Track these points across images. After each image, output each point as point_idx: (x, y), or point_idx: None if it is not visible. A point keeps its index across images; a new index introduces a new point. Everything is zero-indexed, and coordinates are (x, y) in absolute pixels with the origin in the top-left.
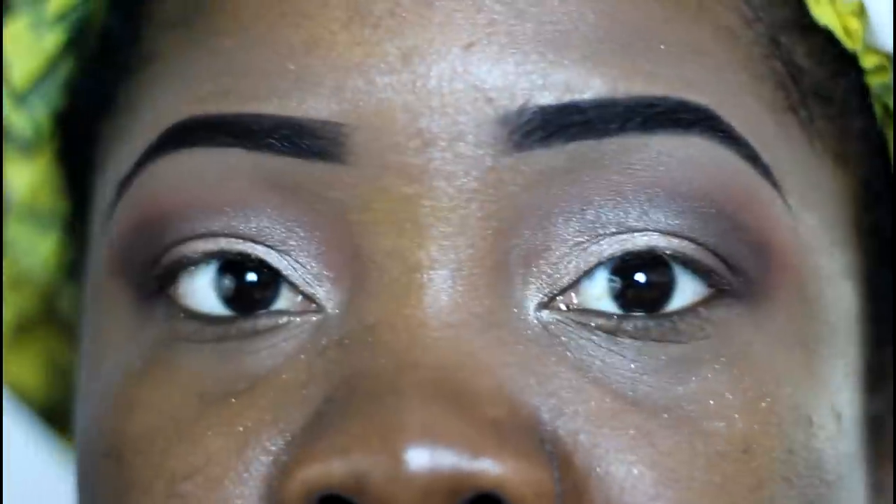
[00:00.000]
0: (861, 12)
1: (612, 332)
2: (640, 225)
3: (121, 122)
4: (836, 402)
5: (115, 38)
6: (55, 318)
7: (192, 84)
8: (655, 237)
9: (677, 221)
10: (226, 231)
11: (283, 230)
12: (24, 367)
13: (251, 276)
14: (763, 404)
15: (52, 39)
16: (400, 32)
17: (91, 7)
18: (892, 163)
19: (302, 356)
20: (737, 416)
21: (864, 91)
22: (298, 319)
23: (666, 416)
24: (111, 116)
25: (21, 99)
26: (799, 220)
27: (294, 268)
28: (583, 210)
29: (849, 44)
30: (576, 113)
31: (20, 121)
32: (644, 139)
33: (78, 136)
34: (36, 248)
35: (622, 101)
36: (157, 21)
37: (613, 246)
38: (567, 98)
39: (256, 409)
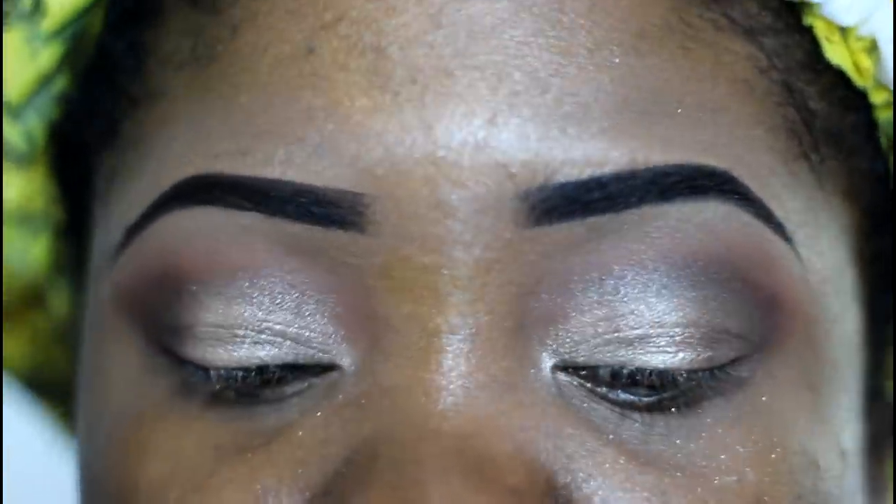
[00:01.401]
0: (873, 48)
1: (622, 403)
2: (658, 309)
3: (126, 158)
4: (842, 440)
5: (115, 62)
6: (41, 304)
7: (206, 138)
8: (670, 356)
9: (695, 294)
10: (239, 318)
11: (297, 294)
12: (9, 343)
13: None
14: (773, 455)
15: (47, 54)
16: (421, 101)
17: (87, 22)
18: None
19: (318, 413)
20: (748, 469)
21: (869, 124)
22: (313, 378)
23: (679, 474)
24: (115, 147)
25: (15, 113)
26: (809, 269)
27: (310, 329)
28: (602, 279)
29: (860, 81)
30: (596, 189)
31: (14, 134)
32: (663, 208)
33: (73, 149)
34: (27, 251)
35: (641, 172)
36: (163, 57)
37: (628, 357)
38: (587, 173)
39: (275, 466)
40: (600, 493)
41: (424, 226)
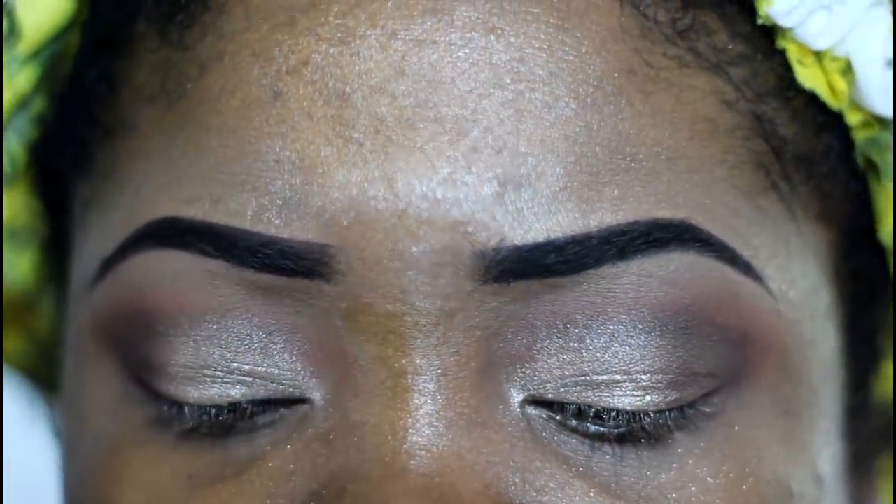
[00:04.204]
0: (848, 70)
1: (592, 435)
2: (624, 357)
3: (101, 188)
4: (818, 465)
5: (89, 89)
6: (34, 310)
7: (178, 179)
8: (637, 398)
9: (662, 342)
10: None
11: (265, 335)
12: (9, 341)
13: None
14: (744, 486)
15: (24, 76)
16: (384, 153)
17: (64, 45)
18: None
19: (289, 446)
20: (719, 500)
21: (843, 145)
22: (283, 410)
23: None
24: (90, 175)
25: None
26: (782, 300)
27: (279, 367)
28: (566, 327)
29: (834, 103)
30: (552, 252)
31: None
32: (623, 266)
33: (51, 172)
34: (14, 265)
35: (595, 234)
36: (134, 88)
37: (594, 398)
38: (543, 237)
39: (245, 497)
40: None
41: (387, 276)
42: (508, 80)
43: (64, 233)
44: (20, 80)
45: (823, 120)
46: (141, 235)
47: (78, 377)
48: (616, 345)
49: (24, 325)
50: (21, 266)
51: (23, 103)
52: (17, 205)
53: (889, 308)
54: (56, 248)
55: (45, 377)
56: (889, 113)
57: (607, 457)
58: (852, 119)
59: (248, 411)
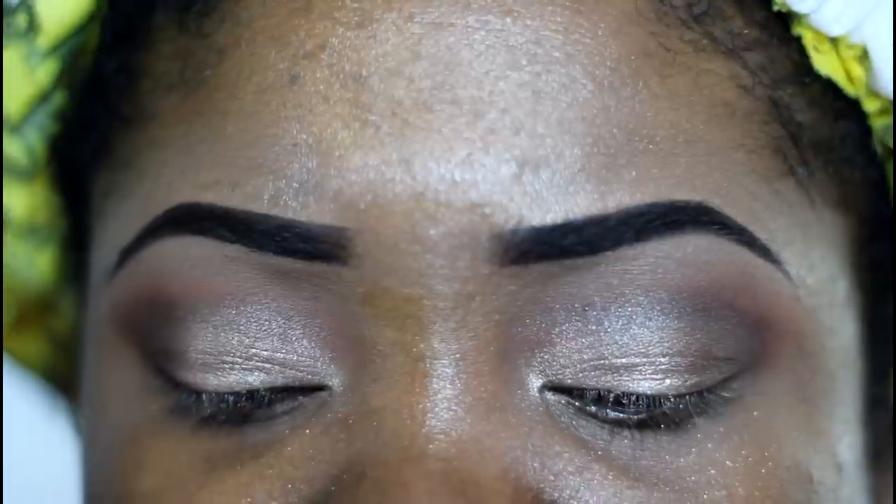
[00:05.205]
0: (864, 56)
1: (612, 420)
2: (642, 340)
3: (120, 178)
4: (837, 452)
5: (109, 81)
6: (54, 310)
7: (196, 166)
8: (656, 382)
9: (680, 325)
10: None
11: (283, 320)
12: (27, 345)
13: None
14: (764, 470)
15: (44, 70)
16: (401, 136)
17: (84, 39)
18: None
19: (307, 431)
20: (737, 483)
21: (861, 132)
22: (302, 398)
23: (668, 489)
24: (109, 166)
25: (15, 129)
26: (800, 286)
27: (298, 353)
28: (584, 310)
29: (851, 90)
30: (570, 232)
31: (15, 150)
32: (640, 248)
33: (71, 165)
34: (34, 262)
35: (613, 215)
36: (153, 78)
37: (613, 382)
38: (561, 218)
39: (264, 481)
40: None
41: (405, 259)
42: (525, 62)
43: (84, 228)
44: (40, 73)
45: (841, 106)
46: (159, 223)
47: (98, 369)
48: (634, 327)
49: (43, 325)
50: (40, 263)
51: (43, 97)
52: (38, 200)
53: None
54: (76, 244)
55: (65, 377)
56: None
57: (626, 441)
58: (870, 106)
59: (267, 399)
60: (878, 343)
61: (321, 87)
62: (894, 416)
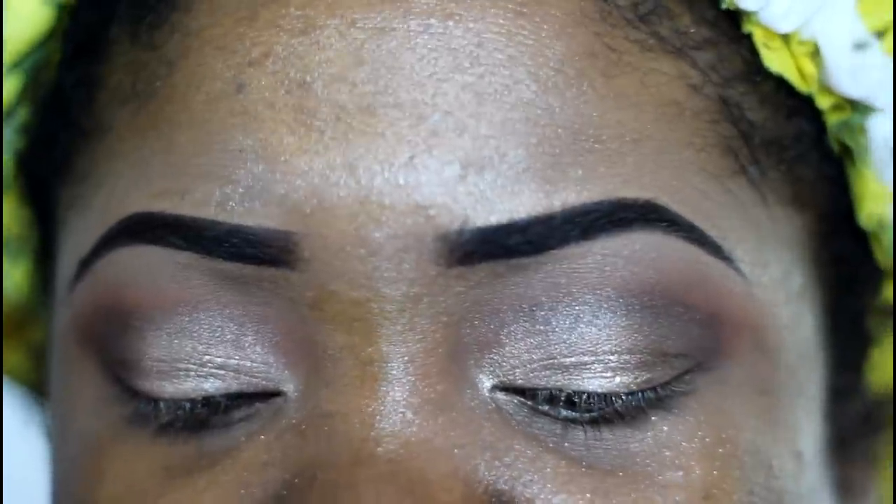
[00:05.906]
0: (816, 53)
1: (564, 419)
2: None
3: (79, 191)
4: (798, 443)
5: (69, 95)
6: (32, 322)
7: (148, 176)
8: (607, 380)
9: (629, 322)
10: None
11: (236, 326)
12: (10, 355)
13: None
14: (721, 450)
15: (8, 85)
16: (345, 140)
17: (46, 52)
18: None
19: (262, 437)
20: (694, 463)
21: (815, 129)
22: (259, 404)
23: (622, 474)
24: (70, 180)
25: None
26: (754, 282)
27: (251, 359)
28: (532, 310)
29: (803, 87)
30: (515, 232)
31: None
32: (587, 246)
33: (39, 177)
34: (9, 276)
35: (559, 214)
36: (110, 89)
37: (564, 381)
38: (506, 217)
39: (219, 487)
40: (542, 496)
41: (351, 262)
42: (468, 65)
43: (52, 240)
44: (5, 88)
45: (793, 104)
46: (114, 233)
47: (61, 379)
48: (581, 325)
49: (23, 338)
50: (15, 276)
51: (8, 113)
52: (8, 215)
53: (877, 292)
54: (47, 256)
55: (44, 387)
56: (859, 95)
57: (580, 434)
58: (823, 102)
59: (223, 405)
60: (841, 335)
61: (266, 93)
62: (894, 414)
